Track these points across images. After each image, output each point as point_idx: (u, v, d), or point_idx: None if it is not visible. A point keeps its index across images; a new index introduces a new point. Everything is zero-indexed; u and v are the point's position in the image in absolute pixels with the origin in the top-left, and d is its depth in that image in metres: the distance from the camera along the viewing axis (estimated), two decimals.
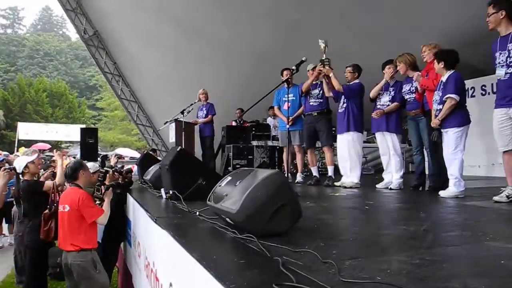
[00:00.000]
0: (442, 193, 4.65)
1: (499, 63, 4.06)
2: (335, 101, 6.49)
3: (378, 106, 6.06)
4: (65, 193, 4.72)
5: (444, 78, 4.72)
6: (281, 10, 9.99)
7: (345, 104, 6.27)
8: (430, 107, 5.18)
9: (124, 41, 13.36)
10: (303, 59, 5.85)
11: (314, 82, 6.86)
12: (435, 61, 4.77)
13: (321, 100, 6.74)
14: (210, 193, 2.89)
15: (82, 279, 4.32)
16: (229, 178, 2.86)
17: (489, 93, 8.89)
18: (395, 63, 5.79)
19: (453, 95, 4.55)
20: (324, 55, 6.14)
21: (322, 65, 6.25)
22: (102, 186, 5.49)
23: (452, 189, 4.60)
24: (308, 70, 6.68)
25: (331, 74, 6.23)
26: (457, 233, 2.57)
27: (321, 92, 6.76)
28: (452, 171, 4.62)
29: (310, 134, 6.89)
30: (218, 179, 3.09)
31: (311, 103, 6.87)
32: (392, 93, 5.98)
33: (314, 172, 7.05)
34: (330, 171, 6.82)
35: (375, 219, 3.32)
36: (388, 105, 5.98)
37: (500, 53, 4.04)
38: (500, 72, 4.04)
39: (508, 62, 3.97)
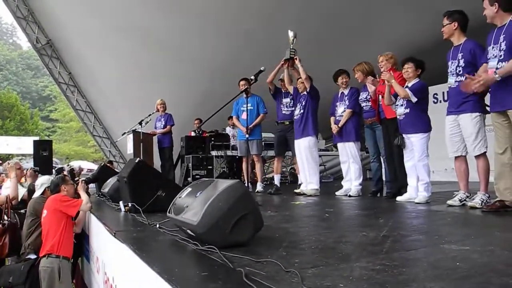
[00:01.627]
0: (416, 199, 4.70)
1: (450, 71, 4.22)
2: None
3: (337, 117, 6.17)
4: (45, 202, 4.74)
5: (410, 84, 4.84)
6: (239, 19, 10.02)
7: (302, 110, 6.33)
8: (387, 115, 5.32)
9: (79, 51, 13.01)
10: (262, 68, 5.93)
11: (284, 91, 6.96)
12: (408, 66, 4.83)
13: (293, 109, 6.78)
14: (170, 205, 2.86)
15: (46, 286, 4.20)
16: (189, 189, 2.84)
17: (440, 101, 9.23)
18: (354, 71, 5.88)
19: (409, 92, 4.67)
20: (292, 45, 6.18)
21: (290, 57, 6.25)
22: None
23: (423, 194, 4.69)
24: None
25: (298, 64, 6.19)
26: (415, 238, 2.63)
27: (292, 101, 6.83)
28: (422, 176, 4.72)
29: (280, 142, 6.97)
30: (178, 191, 3.07)
31: (283, 112, 6.97)
32: (347, 101, 6.09)
33: (276, 180, 7.09)
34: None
35: (335, 226, 3.35)
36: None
37: (452, 62, 4.21)
38: (451, 80, 4.20)
39: (457, 71, 4.13)
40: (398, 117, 4.91)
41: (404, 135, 4.83)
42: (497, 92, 3.65)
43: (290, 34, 6.15)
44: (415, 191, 4.80)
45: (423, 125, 4.74)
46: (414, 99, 4.67)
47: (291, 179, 8.05)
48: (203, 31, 10.50)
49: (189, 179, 9.11)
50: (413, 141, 4.75)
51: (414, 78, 4.83)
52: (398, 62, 5.33)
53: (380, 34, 9.67)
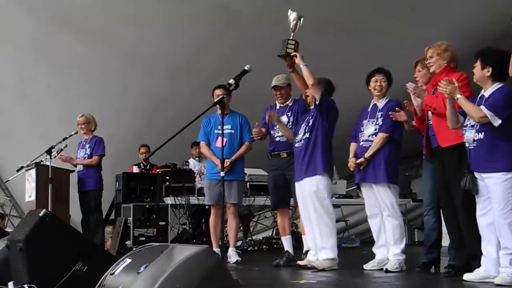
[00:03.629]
0: (497, 279, 4.56)
1: None
2: None
3: (362, 143, 6.13)
4: None
5: (487, 93, 4.77)
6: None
7: (307, 134, 6.25)
8: (441, 143, 5.27)
9: None
10: (246, 68, 5.85)
11: (282, 105, 7.01)
12: (477, 64, 4.80)
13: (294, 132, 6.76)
14: (96, 286, 2.90)
15: None
16: (128, 260, 2.95)
17: None
18: (416, 67, 5.82)
19: (487, 112, 4.57)
20: (292, 35, 6.17)
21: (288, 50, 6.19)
22: None
23: (508, 271, 4.54)
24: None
25: (301, 63, 6.08)
26: None
27: (293, 119, 6.86)
28: (505, 241, 4.59)
29: (277, 186, 6.93)
30: (109, 263, 3.17)
31: (277, 139, 6.91)
32: (381, 120, 6.05)
33: (286, 245, 7.06)
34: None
35: None
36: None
37: None
38: None
39: None
40: (467, 145, 4.84)
41: (476, 174, 4.75)
42: None
43: (292, 16, 6.17)
44: (494, 265, 4.69)
45: (506, 158, 4.65)
46: (497, 122, 4.58)
47: (293, 243, 7.98)
48: (151, 10, 10.40)
49: (129, 243, 9.07)
50: (490, 185, 4.67)
51: (489, 83, 4.77)
52: (456, 58, 5.37)
53: (435, 16, 9.83)
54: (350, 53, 9.71)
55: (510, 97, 4.65)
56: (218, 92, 7.15)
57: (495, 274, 4.61)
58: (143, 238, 9.10)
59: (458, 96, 4.70)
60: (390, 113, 5.72)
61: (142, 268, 2.60)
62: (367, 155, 5.95)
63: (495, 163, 4.64)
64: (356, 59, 8.88)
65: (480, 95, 4.80)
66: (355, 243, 11.22)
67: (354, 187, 9.02)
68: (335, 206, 10.30)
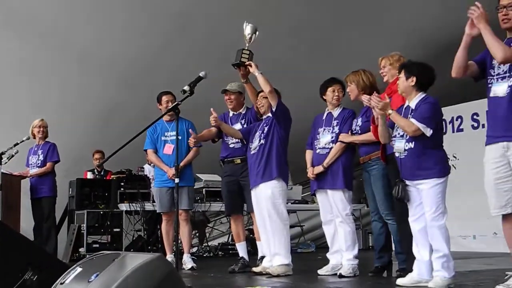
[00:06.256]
0: (431, 283, 4.61)
1: (497, 74, 4.33)
2: None
3: (319, 151, 6.15)
4: None
5: (412, 103, 4.86)
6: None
7: (262, 141, 6.25)
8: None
9: None
10: (201, 74, 5.81)
11: (235, 112, 6.98)
12: (402, 75, 4.89)
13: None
14: None
15: None
16: (79, 269, 2.88)
17: (483, 125, 9.27)
18: (347, 81, 5.90)
19: (419, 124, 4.65)
20: (247, 46, 6.18)
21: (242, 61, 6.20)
22: None
23: (441, 275, 4.60)
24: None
25: (256, 72, 6.10)
26: None
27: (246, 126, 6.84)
28: (437, 244, 4.66)
29: (231, 192, 6.89)
30: (61, 272, 3.11)
31: (231, 145, 6.87)
32: (337, 128, 6.10)
33: (241, 251, 7.01)
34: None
35: None
36: (331, 148, 6.07)
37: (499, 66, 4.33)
38: (498, 87, 4.29)
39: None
40: (397, 155, 4.91)
41: (407, 182, 4.83)
42: None
43: (247, 28, 6.20)
44: (427, 269, 4.75)
45: (437, 165, 4.75)
46: (429, 133, 4.69)
47: (249, 249, 7.95)
48: (106, 10, 10.26)
49: (82, 250, 8.98)
50: (422, 190, 4.75)
51: (414, 93, 4.87)
52: None
53: (392, 24, 9.99)
54: (306, 61, 9.73)
55: (436, 107, 4.81)
56: (165, 98, 7.20)
57: (429, 278, 4.69)
58: (97, 245, 8.96)
59: (390, 111, 4.78)
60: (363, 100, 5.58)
61: (93, 277, 2.56)
62: (325, 163, 5.99)
63: (426, 171, 4.73)
64: (312, 67, 8.90)
65: (405, 105, 4.90)
66: (310, 248, 11.23)
67: (309, 193, 9.11)
68: (291, 211, 10.36)
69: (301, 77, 9.60)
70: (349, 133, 6.02)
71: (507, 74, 4.26)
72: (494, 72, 4.35)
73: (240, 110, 6.96)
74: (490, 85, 4.38)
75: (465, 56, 4.46)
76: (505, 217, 4.27)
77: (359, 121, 5.92)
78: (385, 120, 4.88)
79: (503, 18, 4.26)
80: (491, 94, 4.35)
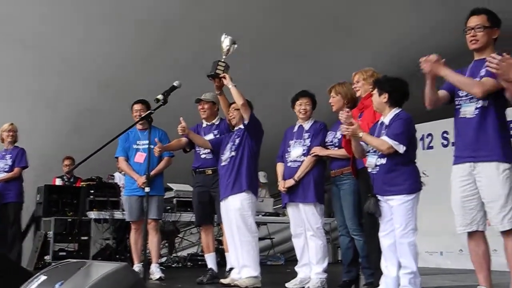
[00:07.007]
0: None
1: (466, 95, 4.38)
2: None
3: (289, 164, 6.16)
4: None
5: (386, 119, 4.88)
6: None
7: (233, 153, 6.27)
8: (366, 165, 5.30)
9: None
10: (175, 84, 5.84)
11: (208, 123, 7.00)
12: (375, 92, 4.94)
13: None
14: None
15: None
16: (43, 277, 2.87)
17: (452, 143, 9.39)
18: (331, 93, 5.93)
19: (392, 142, 4.67)
20: (224, 58, 6.20)
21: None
22: None
23: None
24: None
25: (229, 84, 6.13)
26: None
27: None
28: (405, 261, 4.68)
29: (202, 203, 6.89)
30: (23, 279, 3.05)
31: (203, 156, 6.87)
32: (308, 141, 6.12)
33: (210, 262, 6.99)
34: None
35: None
36: (303, 161, 6.09)
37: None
38: (466, 107, 4.36)
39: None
40: (369, 170, 4.92)
41: (379, 197, 4.83)
42: None
43: (226, 41, 6.21)
44: (394, 285, 4.75)
45: (407, 181, 4.76)
46: (402, 149, 4.70)
47: (218, 260, 7.94)
48: (88, 17, 10.20)
49: (47, 257, 8.87)
50: (392, 206, 4.75)
51: (387, 108, 4.90)
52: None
53: (371, 35, 10.07)
54: (288, 73, 9.77)
55: (408, 122, 4.83)
56: (136, 107, 7.21)
57: None
58: (64, 253, 8.85)
59: (361, 134, 4.79)
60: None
61: (57, 286, 2.55)
62: (296, 177, 6.00)
63: (397, 187, 4.74)
64: (292, 80, 8.91)
65: (380, 121, 4.93)
66: (280, 261, 11.19)
67: (280, 206, 9.12)
68: (262, 223, 10.36)
69: (283, 89, 9.63)
70: (320, 146, 6.05)
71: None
72: (462, 93, 4.41)
73: (214, 121, 6.97)
74: (458, 106, 4.44)
75: (433, 91, 4.54)
76: (471, 234, 4.33)
77: (337, 134, 5.89)
78: (358, 141, 4.92)
79: (471, 40, 4.36)
80: (460, 115, 4.41)
